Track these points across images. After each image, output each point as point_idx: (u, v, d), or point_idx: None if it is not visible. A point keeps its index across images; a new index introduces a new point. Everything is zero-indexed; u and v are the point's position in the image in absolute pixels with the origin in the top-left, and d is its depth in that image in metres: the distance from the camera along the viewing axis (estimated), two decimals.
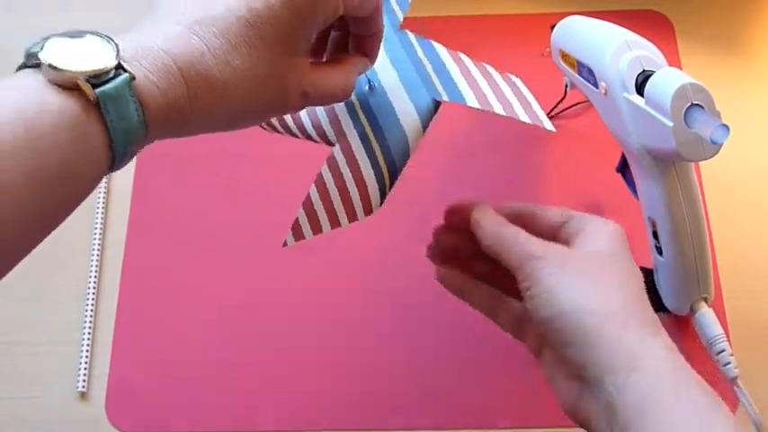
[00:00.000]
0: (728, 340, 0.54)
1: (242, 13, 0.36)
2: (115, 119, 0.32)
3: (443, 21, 0.71)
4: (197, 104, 0.35)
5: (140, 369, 0.58)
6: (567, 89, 0.61)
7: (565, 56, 0.56)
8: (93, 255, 0.61)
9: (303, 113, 0.48)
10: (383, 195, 0.47)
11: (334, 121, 0.47)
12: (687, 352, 0.57)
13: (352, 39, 0.43)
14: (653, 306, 0.58)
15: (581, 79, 0.53)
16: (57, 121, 0.30)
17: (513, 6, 0.71)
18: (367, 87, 0.49)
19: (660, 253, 0.53)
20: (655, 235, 0.52)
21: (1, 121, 0.29)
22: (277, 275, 0.60)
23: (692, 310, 0.54)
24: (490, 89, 0.50)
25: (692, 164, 0.50)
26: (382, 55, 0.49)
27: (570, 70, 0.55)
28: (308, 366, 0.58)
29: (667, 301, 0.56)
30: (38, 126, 0.30)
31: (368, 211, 0.46)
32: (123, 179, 0.65)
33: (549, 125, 0.49)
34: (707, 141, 0.43)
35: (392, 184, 0.48)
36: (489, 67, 0.52)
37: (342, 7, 0.39)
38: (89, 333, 0.59)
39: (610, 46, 0.49)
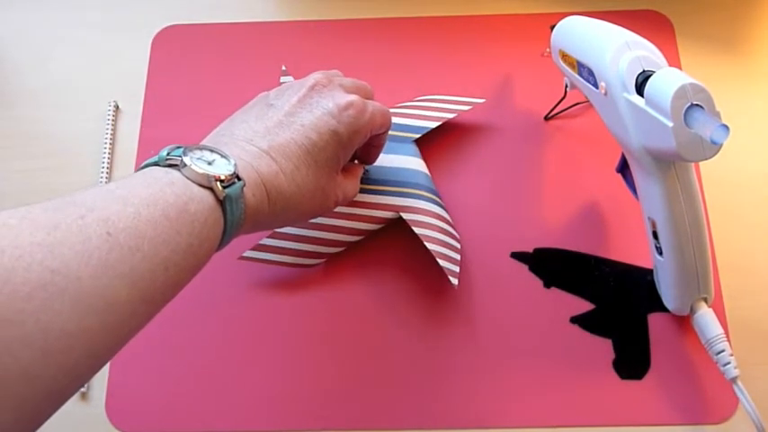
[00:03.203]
0: (728, 340, 0.54)
1: (302, 143, 0.47)
2: (229, 213, 0.42)
3: (443, 21, 0.71)
4: (273, 210, 0.46)
5: (140, 369, 0.58)
6: (567, 89, 0.61)
7: (565, 56, 0.56)
8: None
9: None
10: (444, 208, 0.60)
11: (376, 206, 0.59)
12: (687, 352, 0.57)
13: (361, 147, 0.54)
14: (651, 306, 0.58)
15: (581, 79, 0.53)
16: (199, 208, 0.40)
17: (513, 6, 0.71)
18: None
19: (660, 253, 0.53)
20: (655, 235, 0.52)
21: (165, 201, 0.38)
22: (277, 276, 0.60)
23: (692, 311, 0.55)
24: (426, 111, 0.64)
25: (692, 164, 0.50)
26: None
27: (570, 70, 0.55)
28: (308, 366, 0.58)
29: (667, 301, 0.56)
30: (188, 209, 0.39)
31: (454, 227, 0.60)
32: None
33: (468, 106, 0.64)
34: (707, 141, 0.43)
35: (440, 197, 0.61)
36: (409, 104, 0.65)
37: (370, 134, 0.51)
38: None
39: (610, 46, 0.49)
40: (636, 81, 0.47)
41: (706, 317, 0.54)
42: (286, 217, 0.48)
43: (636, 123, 0.48)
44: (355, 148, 0.51)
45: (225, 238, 0.43)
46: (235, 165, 0.43)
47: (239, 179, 0.42)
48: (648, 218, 0.52)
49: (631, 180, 0.54)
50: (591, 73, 0.51)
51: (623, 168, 0.55)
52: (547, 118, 0.65)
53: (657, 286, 0.57)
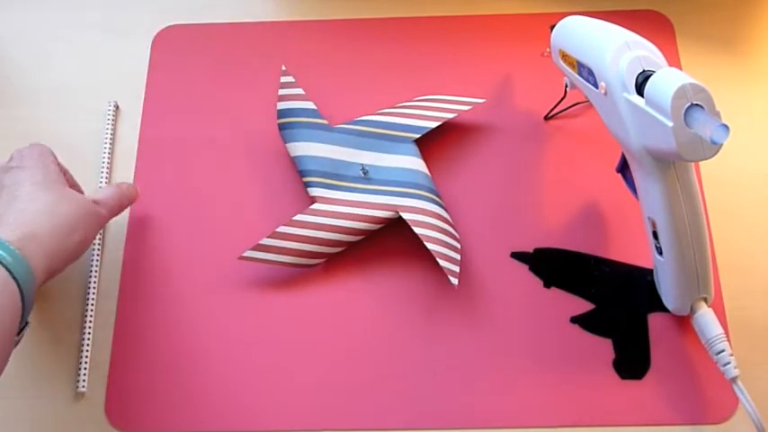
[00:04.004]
0: (728, 340, 0.54)
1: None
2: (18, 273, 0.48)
3: (443, 21, 0.71)
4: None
5: (140, 369, 0.58)
6: (567, 89, 0.61)
7: (565, 56, 0.56)
8: (93, 254, 0.61)
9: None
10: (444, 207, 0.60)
11: (376, 206, 0.59)
12: (687, 352, 0.57)
13: None
14: (651, 306, 0.58)
15: (581, 79, 0.53)
16: None
17: (513, 6, 0.71)
18: (362, 173, 0.61)
19: (660, 253, 0.53)
20: (655, 235, 0.52)
21: None
22: (277, 276, 0.60)
23: (692, 310, 0.55)
24: (426, 111, 0.64)
25: (692, 164, 0.50)
26: (346, 149, 0.63)
27: (570, 70, 0.55)
28: (308, 366, 0.58)
29: (667, 301, 0.56)
30: None
31: (454, 227, 0.60)
32: (123, 178, 0.65)
33: (468, 105, 0.65)
34: (707, 141, 0.43)
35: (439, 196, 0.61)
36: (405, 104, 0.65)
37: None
38: (89, 333, 0.59)
39: (610, 46, 0.49)
40: (636, 81, 0.47)
41: (706, 317, 0.54)
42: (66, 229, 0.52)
43: (636, 123, 0.48)
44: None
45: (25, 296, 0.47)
46: None
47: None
48: (648, 218, 0.52)
49: (631, 180, 0.54)
50: (591, 73, 0.51)
51: (623, 168, 0.55)
52: (547, 118, 0.65)
53: (657, 286, 0.57)
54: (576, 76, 0.54)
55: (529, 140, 0.65)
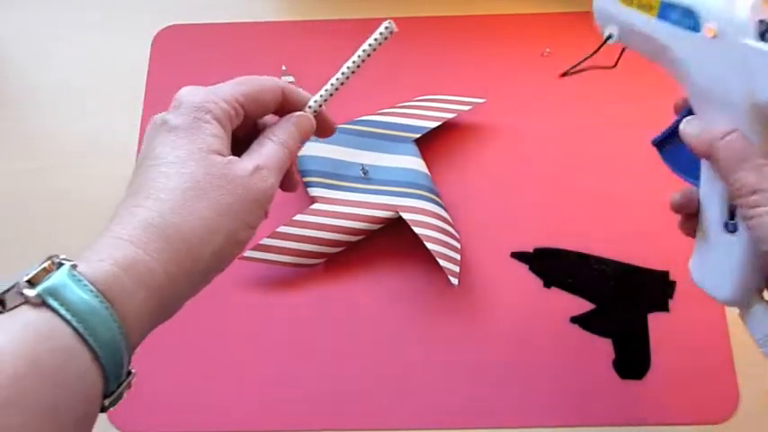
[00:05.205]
0: (728, 340, 0.54)
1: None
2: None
3: (443, 21, 0.71)
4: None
5: (140, 369, 0.58)
6: (610, 41, 0.48)
7: None
8: None
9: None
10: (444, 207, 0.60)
11: (376, 206, 0.59)
12: (687, 352, 0.57)
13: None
14: (651, 306, 0.58)
15: (664, 24, 0.45)
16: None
17: (513, 6, 0.71)
18: (362, 173, 0.61)
19: (733, 230, 0.45)
20: (731, 211, 0.45)
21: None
22: (277, 276, 0.60)
23: (749, 303, 0.47)
24: (426, 111, 0.64)
25: None
26: (346, 149, 0.63)
27: (643, 14, 0.46)
28: (308, 366, 0.58)
29: (719, 290, 0.48)
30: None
31: (454, 227, 0.60)
32: (123, 178, 0.65)
33: (468, 105, 0.64)
34: None
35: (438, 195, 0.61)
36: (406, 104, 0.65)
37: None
38: None
39: None
40: (759, 28, 0.41)
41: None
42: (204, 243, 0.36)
43: (755, 74, 0.41)
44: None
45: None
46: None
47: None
48: (720, 194, 0.45)
49: (673, 154, 0.47)
50: (687, 14, 0.44)
51: (664, 142, 0.48)
52: (565, 74, 0.61)
53: (698, 275, 0.49)
54: (653, 20, 0.45)
55: (529, 140, 0.65)
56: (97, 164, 0.65)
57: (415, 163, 0.62)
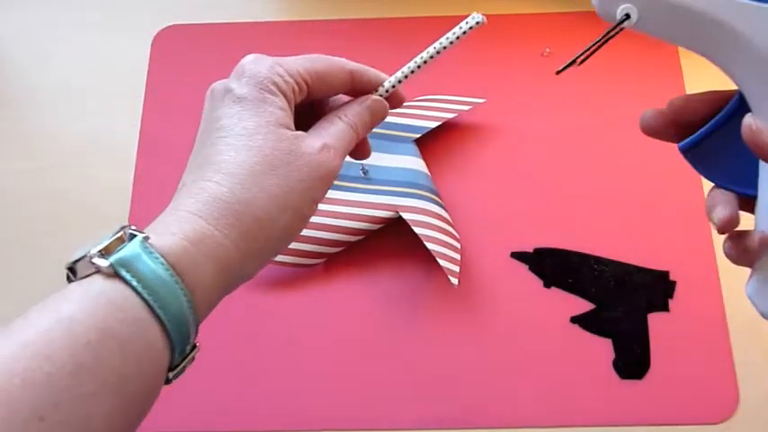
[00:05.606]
0: (728, 340, 0.54)
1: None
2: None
3: (443, 21, 0.71)
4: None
5: None
6: (624, 25, 0.38)
7: None
8: None
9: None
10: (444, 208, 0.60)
11: (376, 206, 0.59)
12: (687, 352, 0.57)
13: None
14: (651, 306, 0.58)
15: None
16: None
17: (513, 6, 0.71)
18: (362, 173, 0.61)
19: None
20: None
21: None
22: (277, 276, 0.60)
23: None
24: (426, 111, 0.64)
25: None
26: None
27: None
28: (307, 366, 0.58)
29: None
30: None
31: (454, 227, 0.60)
32: (123, 178, 0.65)
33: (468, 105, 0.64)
34: None
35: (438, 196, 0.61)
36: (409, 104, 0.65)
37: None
38: None
39: None
40: None
41: None
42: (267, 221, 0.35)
43: None
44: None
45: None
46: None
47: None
48: None
49: (705, 159, 0.41)
50: None
51: (695, 146, 0.42)
52: (580, 63, 0.59)
53: (761, 300, 0.44)
54: None
55: (529, 140, 0.65)
56: (97, 164, 0.65)
57: (415, 163, 0.62)
